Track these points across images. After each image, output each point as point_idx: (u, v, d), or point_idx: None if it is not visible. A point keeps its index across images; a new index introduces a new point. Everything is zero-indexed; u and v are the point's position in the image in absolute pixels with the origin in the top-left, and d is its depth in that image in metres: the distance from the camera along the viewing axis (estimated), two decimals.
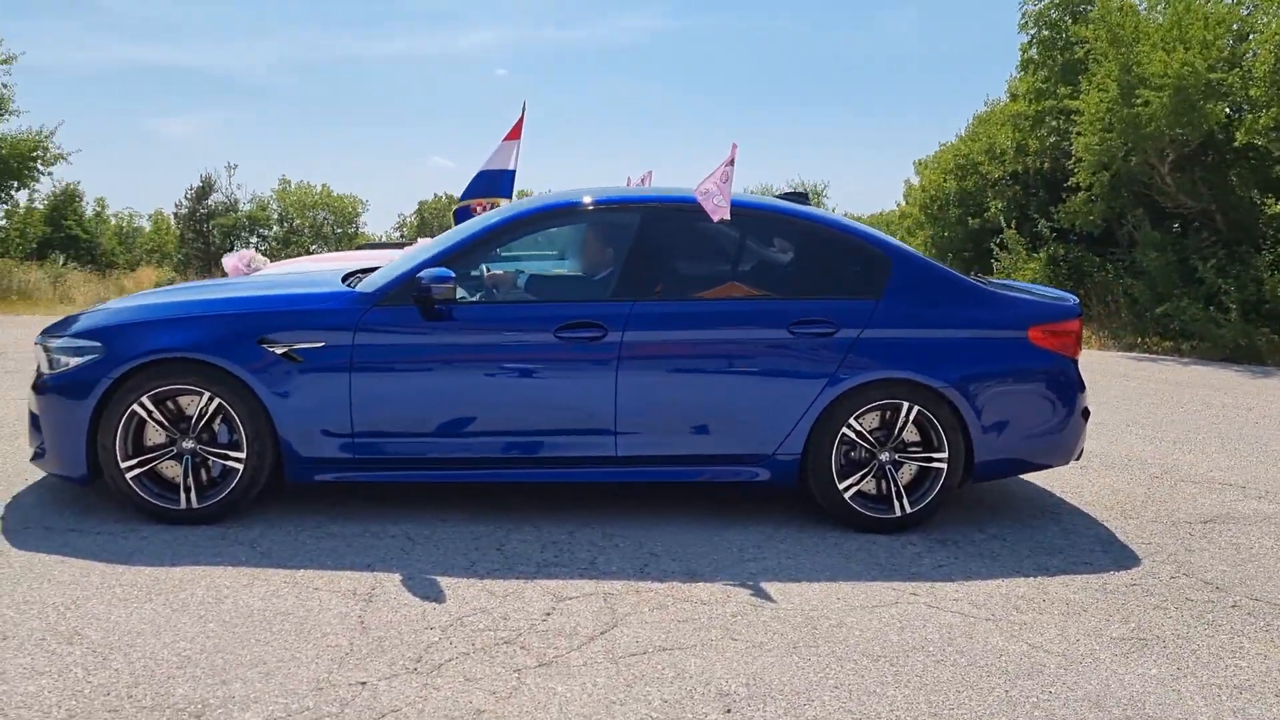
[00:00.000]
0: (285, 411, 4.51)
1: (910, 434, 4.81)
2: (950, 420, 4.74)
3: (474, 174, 11.19)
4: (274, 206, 34.93)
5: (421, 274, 4.52)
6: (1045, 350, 4.86)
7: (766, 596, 3.99)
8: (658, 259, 4.82)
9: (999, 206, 19.50)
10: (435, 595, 3.88)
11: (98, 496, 4.78)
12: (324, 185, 35.78)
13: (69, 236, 28.90)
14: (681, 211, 4.88)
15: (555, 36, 75.80)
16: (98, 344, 4.52)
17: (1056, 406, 4.91)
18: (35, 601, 3.66)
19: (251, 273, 8.82)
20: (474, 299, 4.82)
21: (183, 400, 4.54)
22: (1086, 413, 5.01)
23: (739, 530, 4.76)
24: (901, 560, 4.46)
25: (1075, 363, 4.95)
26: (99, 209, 33.16)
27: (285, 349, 4.50)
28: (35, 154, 23.92)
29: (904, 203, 26.66)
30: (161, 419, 4.49)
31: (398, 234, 36.87)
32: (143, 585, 3.85)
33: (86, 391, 4.44)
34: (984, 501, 5.39)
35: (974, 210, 21.09)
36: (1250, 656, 3.60)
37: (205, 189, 33.46)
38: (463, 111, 70.43)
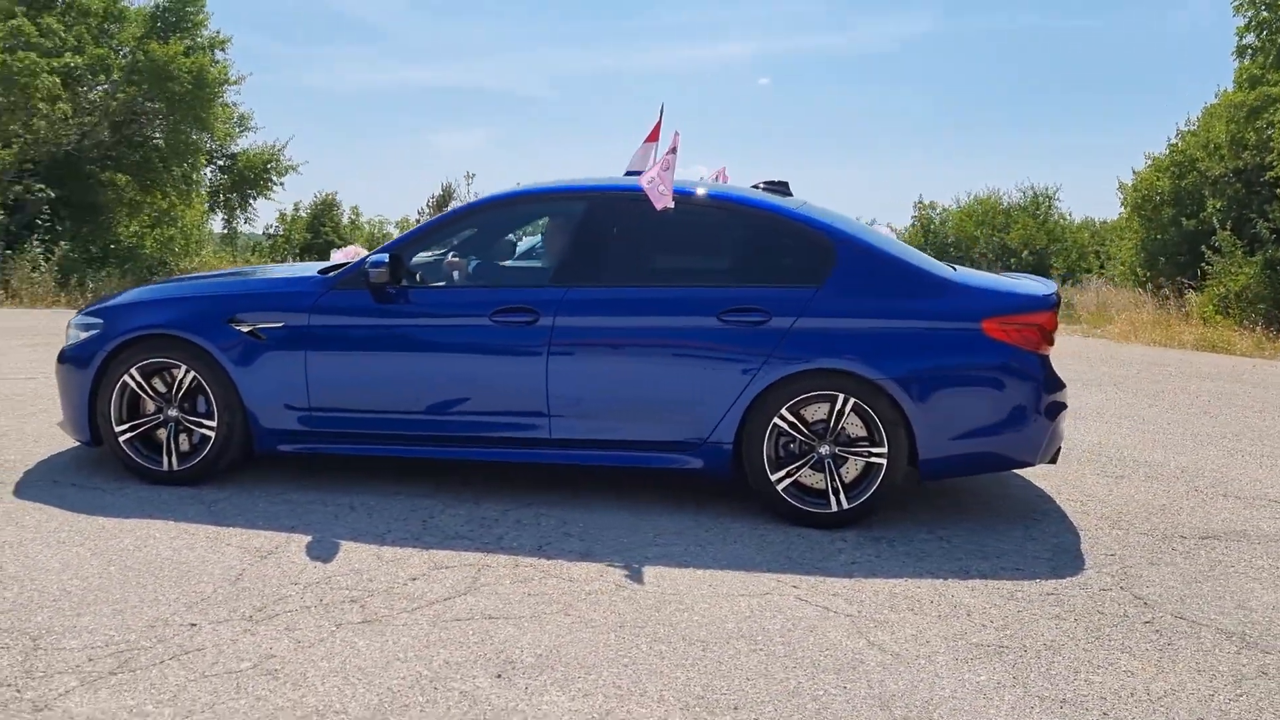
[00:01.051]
0: (250, 385, 4.91)
1: (855, 428, 4.65)
2: (890, 415, 4.56)
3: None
4: None
5: (367, 258, 4.82)
6: (1001, 343, 4.58)
7: (639, 579, 4.00)
8: (599, 247, 4.90)
9: (1216, 206, 17.94)
10: (326, 556, 4.14)
11: (113, 458, 5.37)
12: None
13: (326, 241, 32.00)
14: (628, 200, 4.93)
15: (818, 43, 75.99)
16: (100, 320, 5.09)
17: (1014, 403, 4.61)
18: None
19: None
20: (431, 284, 5.05)
21: (174, 373, 5.03)
22: (1054, 410, 4.67)
23: (670, 517, 4.76)
24: (814, 555, 4.33)
25: (1039, 357, 4.62)
26: (354, 216, 36.35)
27: (250, 328, 4.91)
28: (270, 165, 26.44)
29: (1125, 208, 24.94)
30: (148, 389, 5.00)
31: None
32: (84, 532, 4.33)
33: (87, 363, 5.02)
34: (959, 501, 5.12)
35: (1190, 210, 19.48)
36: (1114, 673, 3.30)
37: (445, 197, 35.85)
38: (725, 120, 71.97)
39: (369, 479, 5.19)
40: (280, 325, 4.90)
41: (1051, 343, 4.71)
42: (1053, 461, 4.86)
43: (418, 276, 4.99)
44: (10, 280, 17.02)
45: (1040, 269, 30.34)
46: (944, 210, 39.53)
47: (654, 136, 14.38)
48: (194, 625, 3.45)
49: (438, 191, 37.59)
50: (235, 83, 23.13)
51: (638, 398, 4.72)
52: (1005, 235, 34.50)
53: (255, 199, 26.24)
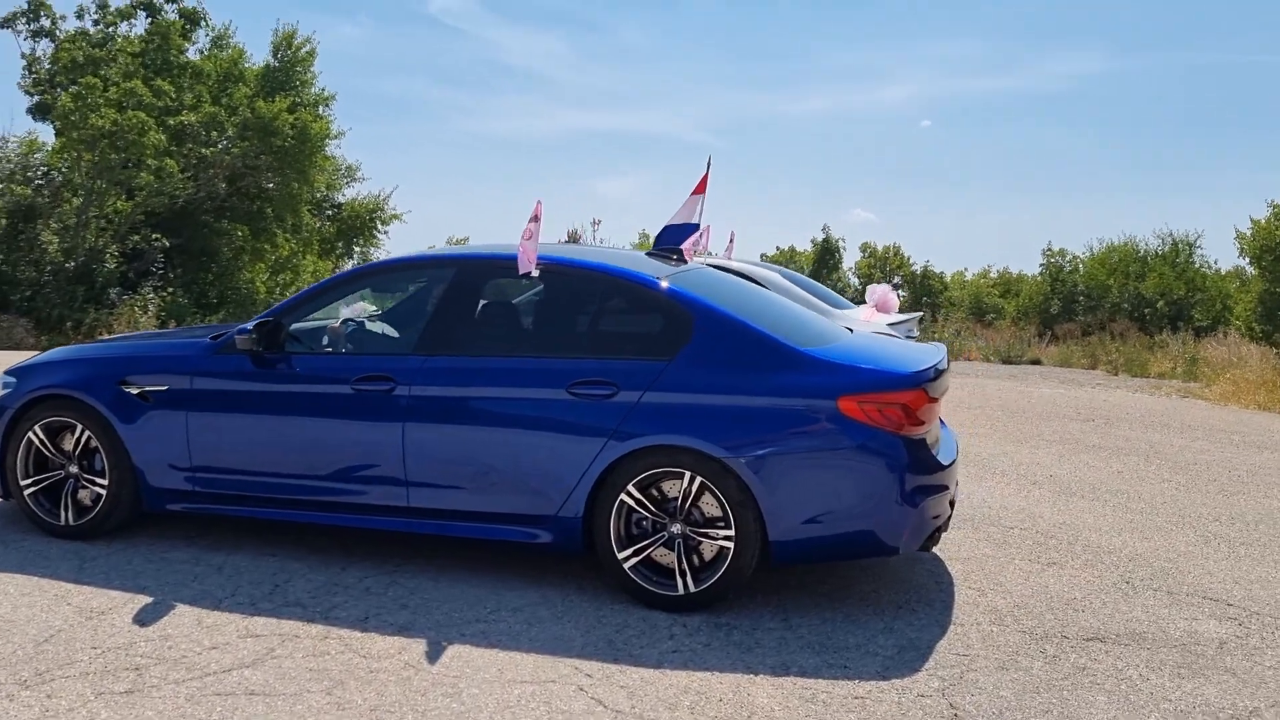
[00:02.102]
0: (138, 445, 5.07)
1: (711, 508, 4.46)
2: (737, 495, 4.36)
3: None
4: None
5: (236, 327, 4.93)
6: (857, 423, 4.33)
7: (434, 659, 3.92)
8: (462, 315, 4.88)
9: None
10: (149, 620, 4.21)
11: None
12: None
13: None
14: (496, 268, 4.91)
15: (982, 86, 74.68)
16: (14, 379, 5.35)
17: (872, 488, 4.34)
18: None
19: None
20: (307, 350, 5.12)
21: (74, 431, 5.23)
22: (922, 494, 4.37)
23: (521, 591, 4.66)
24: (640, 641, 4.16)
25: (901, 439, 4.35)
26: None
27: (139, 390, 5.08)
28: (375, 214, 27.54)
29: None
30: (49, 446, 5.22)
31: None
32: None
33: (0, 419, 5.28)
34: (849, 583, 4.84)
35: None
36: None
37: (571, 242, 36.66)
38: (885, 164, 71.39)
39: (255, 539, 5.27)
40: (165, 388, 5.05)
41: (921, 421, 4.42)
42: (924, 549, 4.56)
43: (286, 341, 5.04)
44: (114, 325, 18.12)
45: (1178, 320, 28.82)
46: (1073, 258, 38.12)
47: (700, 189, 14.33)
48: None
49: (563, 237, 38.47)
50: (337, 136, 24.27)
51: (490, 469, 4.66)
52: (1140, 284, 32.96)
53: (359, 247, 27.34)
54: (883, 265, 42.79)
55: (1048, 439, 9.49)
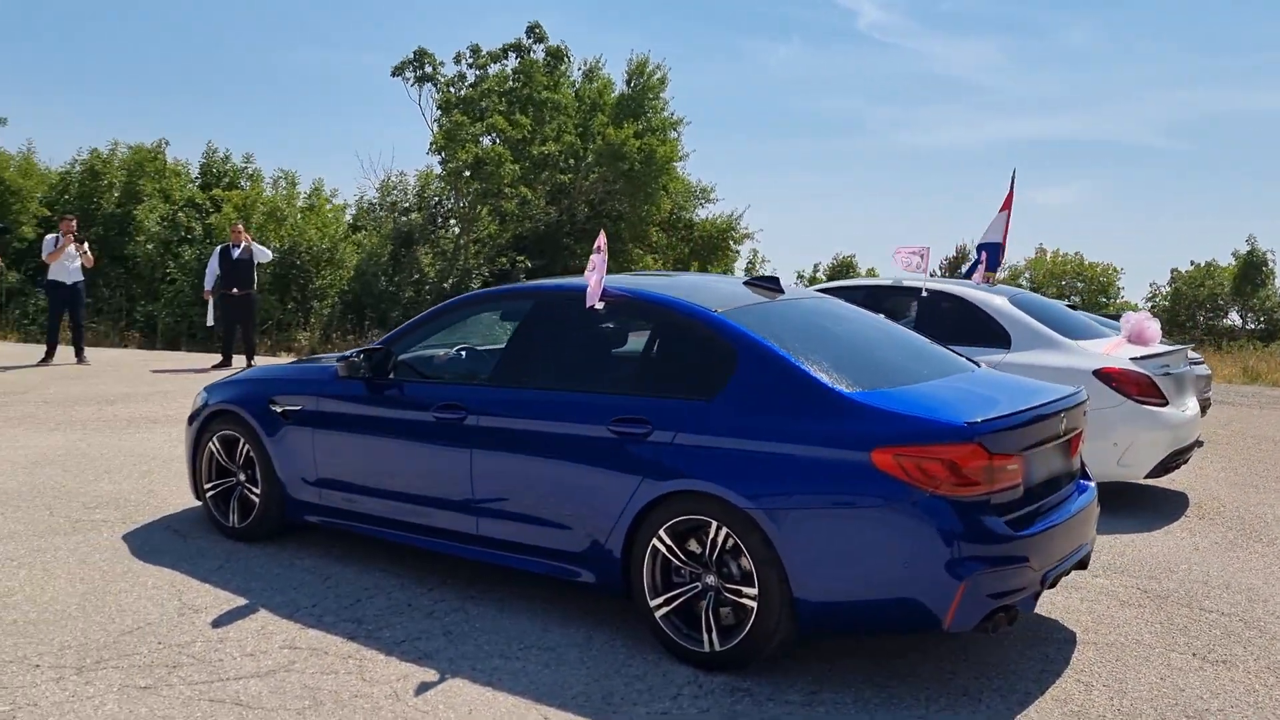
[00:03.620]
0: (280, 458, 5.59)
1: (745, 563, 4.11)
2: (762, 551, 3.98)
3: None
4: (1027, 275, 34.86)
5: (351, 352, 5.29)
6: (892, 479, 3.79)
7: (421, 691, 3.96)
8: (533, 346, 4.89)
9: None
10: (227, 621, 4.62)
11: None
12: (1077, 253, 34.62)
13: None
14: (564, 300, 4.86)
15: None
16: (204, 395, 6.11)
17: (907, 554, 3.78)
18: None
19: None
20: (417, 376, 5.36)
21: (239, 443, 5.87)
22: (967, 567, 3.73)
23: (565, 631, 4.56)
24: (641, 698, 3.93)
25: (945, 500, 3.74)
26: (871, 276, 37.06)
27: (282, 408, 5.60)
28: (729, 233, 28.20)
29: None
30: (221, 455, 5.90)
31: (1148, 304, 33.96)
32: (108, 564, 5.26)
33: (191, 428, 6.05)
34: (916, 661, 4.24)
35: None
36: None
37: (958, 259, 35.05)
38: None
39: (381, 555, 5.60)
40: (299, 408, 5.53)
41: (975, 482, 3.78)
42: (988, 630, 3.87)
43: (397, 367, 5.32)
44: None
45: None
46: None
47: (1006, 206, 13.39)
48: (36, 666, 4.12)
49: (951, 253, 36.88)
50: (682, 158, 25.10)
51: (540, 502, 4.62)
52: None
53: (712, 266, 28.06)
54: None
55: None
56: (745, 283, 5.11)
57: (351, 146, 60.97)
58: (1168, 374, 7.11)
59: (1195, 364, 10.80)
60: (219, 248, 14.70)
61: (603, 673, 4.15)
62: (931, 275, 8.63)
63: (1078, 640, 4.57)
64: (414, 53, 23.88)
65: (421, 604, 4.91)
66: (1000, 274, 34.93)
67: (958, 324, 7.51)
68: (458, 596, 5.00)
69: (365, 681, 4.04)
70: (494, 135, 21.91)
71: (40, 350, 14.35)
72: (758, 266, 30.43)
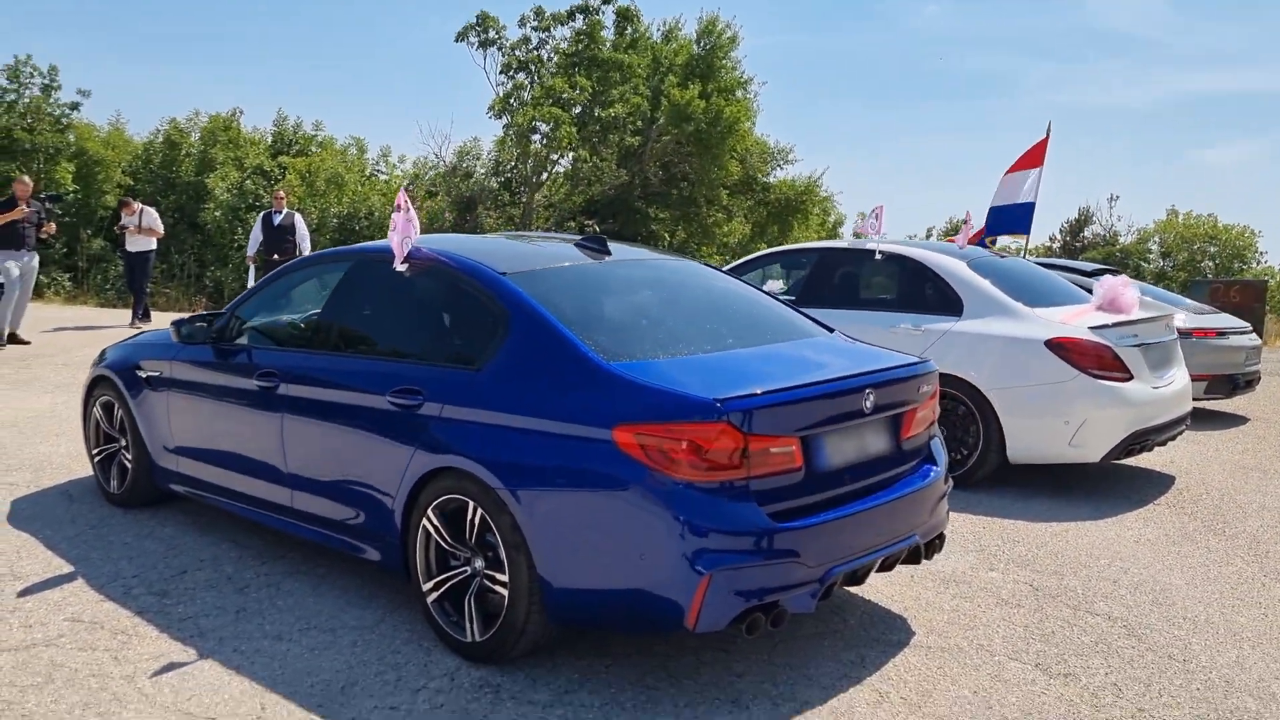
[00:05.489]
0: (143, 424, 5.50)
1: (501, 547, 3.77)
2: (511, 535, 3.65)
3: None
4: (1156, 239, 32.99)
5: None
6: (634, 460, 3.40)
7: (160, 670, 3.79)
8: (342, 311, 4.64)
9: None
10: (35, 591, 4.55)
11: None
12: (1211, 214, 32.46)
13: None
14: (380, 262, 4.57)
15: None
16: (101, 356, 6.07)
17: (644, 544, 3.39)
18: None
19: None
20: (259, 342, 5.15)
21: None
22: (709, 560, 3.31)
23: (361, 612, 4.33)
24: (384, 692, 3.67)
25: (682, 485, 3.33)
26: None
27: (146, 374, 5.50)
28: (804, 196, 27.37)
29: None
30: (104, 420, 5.85)
31: None
32: None
33: (83, 391, 6.03)
34: (705, 658, 3.85)
35: None
36: None
37: (1081, 220, 33.41)
38: None
39: (246, 530, 5.47)
40: (158, 373, 5.42)
41: (720, 466, 3.35)
42: (746, 632, 3.44)
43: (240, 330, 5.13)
44: None
45: None
46: None
47: (1036, 161, 12.47)
48: None
49: (1073, 215, 35.01)
50: (751, 119, 24.33)
51: (337, 475, 4.38)
52: None
53: (793, 228, 27.25)
54: None
55: None
56: (576, 244, 4.72)
57: (412, 114, 61.58)
58: (1139, 344, 6.37)
59: (1240, 332, 9.80)
60: (262, 214, 14.91)
61: (364, 659, 3.90)
62: (912, 238, 8.00)
63: (912, 642, 4.10)
64: (476, 17, 23.77)
65: (243, 578, 4.75)
66: (1127, 237, 32.81)
67: (909, 289, 6.93)
68: (283, 572, 4.82)
69: (116, 660, 3.89)
70: (554, 97, 21.64)
71: (123, 314, 15.21)
72: (837, 231, 29.45)
